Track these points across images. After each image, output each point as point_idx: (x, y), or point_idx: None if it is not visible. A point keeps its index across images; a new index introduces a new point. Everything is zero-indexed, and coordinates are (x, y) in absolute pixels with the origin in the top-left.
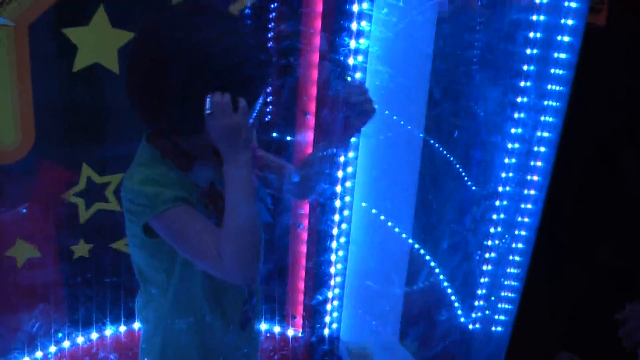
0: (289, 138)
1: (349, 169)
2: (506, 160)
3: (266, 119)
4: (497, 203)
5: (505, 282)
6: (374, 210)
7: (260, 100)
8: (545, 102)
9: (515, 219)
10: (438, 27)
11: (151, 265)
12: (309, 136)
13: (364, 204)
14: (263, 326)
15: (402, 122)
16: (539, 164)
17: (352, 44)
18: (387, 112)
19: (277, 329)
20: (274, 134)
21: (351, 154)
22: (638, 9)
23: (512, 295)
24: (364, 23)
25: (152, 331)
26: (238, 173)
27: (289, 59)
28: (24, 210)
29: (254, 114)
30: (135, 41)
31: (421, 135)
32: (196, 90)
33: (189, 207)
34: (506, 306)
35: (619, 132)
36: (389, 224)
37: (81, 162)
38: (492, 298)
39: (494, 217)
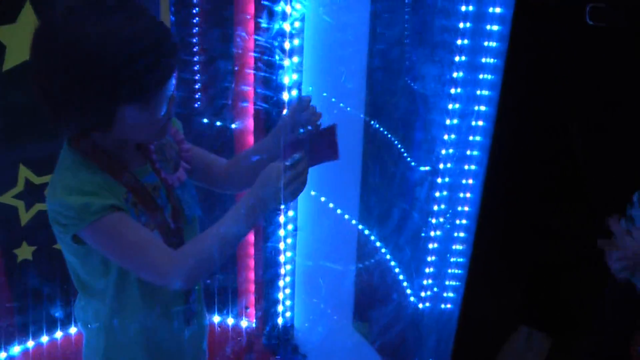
0: (233, 126)
1: None
2: (445, 137)
3: (196, 104)
4: (439, 180)
5: (452, 259)
6: (322, 199)
7: (171, 87)
8: (481, 76)
9: (458, 195)
10: (372, 5)
11: (85, 270)
12: (248, 124)
13: (312, 193)
14: (216, 318)
15: (341, 105)
16: (477, 138)
17: (287, 27)
18: (324, 94)
19: (230, 321)
20: (216, 123)
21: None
22: None
23: (459, 271)
24: (298, 6)
25: (94, 335)
26: (255, 214)
27: (223, 46)
28: None
29: (165, 101)
30: (34, 38)
31: (362, 116)
32: (97, 83)
33: (119, 214)
34: (454, 283)
35: (558, 104)
36: (338, 211)
37: (18, 163)
38: (442, 272)
39: (437, 194)
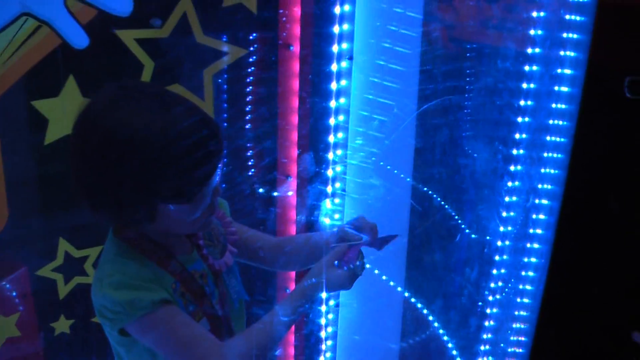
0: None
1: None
2: (507, 199)
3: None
4: (499, 243)
5: (513, 338)
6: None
7: (215, 181)
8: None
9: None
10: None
11: (131, 357)
12: (291, 200)
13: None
14: None
15: (388, 167)
16: (544, 201)
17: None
18: (373, 158)
19: None
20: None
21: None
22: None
23: (521, 350)
24: (343, 82)
25: None
26: (304, 306)
27: (265, 121)
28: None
29: (209, 195)
30: (76, 129)
31: (408, 179)
32: (139, 179)
33: (167, 308)
34: None
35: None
36: (383, 277)
37: (57, 236)
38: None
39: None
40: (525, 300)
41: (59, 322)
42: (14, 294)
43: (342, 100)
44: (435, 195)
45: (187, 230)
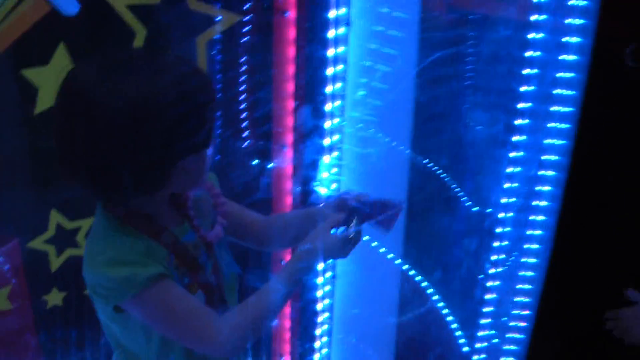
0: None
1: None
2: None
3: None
4: (502, 214)
5: (514, 311)
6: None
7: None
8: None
9: (524, 232)
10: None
11: (125, 335)
12: (287, 170)
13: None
14: None
15: (387, 139)
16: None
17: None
18: (371, 130)
19: None
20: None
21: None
22: None
23: (524, 324)
24: (340, 48)
25: None
26: (302, 276)
27: (260, 89)
28: None
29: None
30: (61, 99)
31: (407, 151)
32: (155, 143)
33: (163, 282)
34: (518, 336)
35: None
36: (382, 250)
37: (49, 208)
38: (503, 319)
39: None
40: (529, 273)
41: (51, 294)
42: (5, 266)
43: (340, 67)
44: (434, 164)
45: (191, 187)
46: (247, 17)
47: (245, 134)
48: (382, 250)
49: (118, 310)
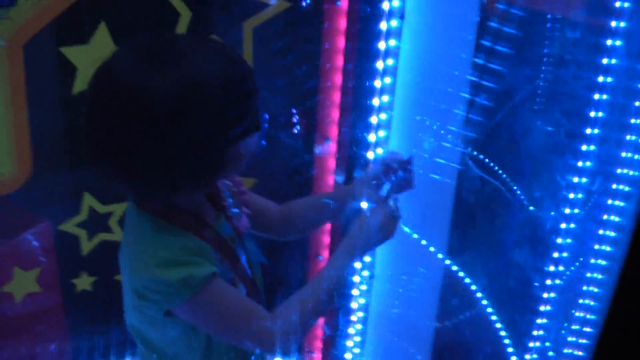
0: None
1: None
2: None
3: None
4: (563, 226)
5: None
6: (406, 229)
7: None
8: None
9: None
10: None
11: (166, 339)
12: (330, 163)
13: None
14: None
15: (442, 131)
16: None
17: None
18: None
19: None
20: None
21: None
22: None
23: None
24: (392, 41)
25: None
26: (352, 264)
27: (309, 80)
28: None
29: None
30: (98, 89)
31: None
32: (218, 128)
33: (216, 282)
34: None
35: None
36: (422, 242)
37: (83, 191)
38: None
39: (559, 241)
40: (593, 288)
41: (81, 278)
42: (36, 248)
43: (390, 61)
44: (485, 161)
45: (236, 173)
46: (298, 4)
47: (289, 124)
48: (424, 243)
49: (168, 314)
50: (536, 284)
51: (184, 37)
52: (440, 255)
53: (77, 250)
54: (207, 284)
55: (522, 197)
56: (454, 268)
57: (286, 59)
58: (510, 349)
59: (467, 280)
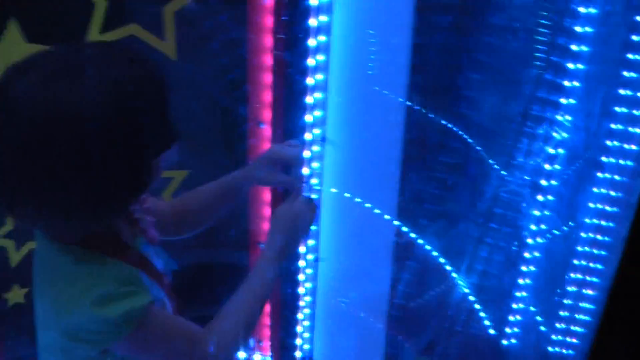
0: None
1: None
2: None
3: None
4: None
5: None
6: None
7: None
8: None
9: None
10: None
11: None
12: (265, 147)
13: (333, 189)
14: None
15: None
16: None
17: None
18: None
19: (242, 355)
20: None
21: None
22: None
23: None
24: (323, 17)
25: None
26: (281, 265)
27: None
28: None
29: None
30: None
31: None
32: (141, 138)
33: (153, 307)
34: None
35: None
36: (374, 209)
37: None
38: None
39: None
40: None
41: (12, 292)
42: None
43: (322, 38)
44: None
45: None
46: None
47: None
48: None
49: (103, 352)
50: (515, 245)
51: (92, 45)
52: (388, 218)
53: (6, 263)
54: (147, 315)
55: (480, 152)
56: (412, 235)
57: (212, 42)
58: (482, 314)
59: (428, 248)
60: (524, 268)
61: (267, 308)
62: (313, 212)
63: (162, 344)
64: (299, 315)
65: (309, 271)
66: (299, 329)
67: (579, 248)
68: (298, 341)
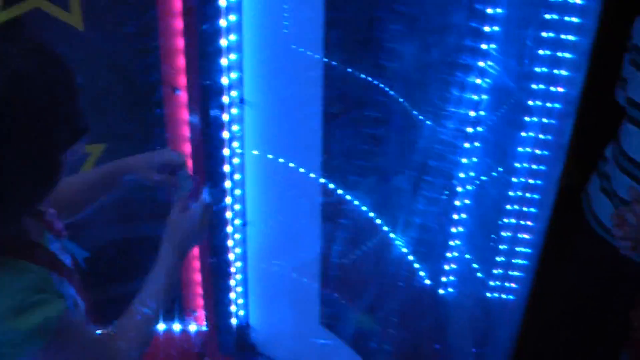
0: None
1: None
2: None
3: None
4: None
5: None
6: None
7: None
8: None
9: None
10: None
11: None
12: (182, 114)
13: (255, 152)
14: (161, 326)
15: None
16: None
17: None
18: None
19: (177, 327)
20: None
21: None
22: None
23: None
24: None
25: None
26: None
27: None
28: None
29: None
30: None
31: (317, 56)
32: (46, 131)
33: (69, 316)
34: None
35: None
36: (301, 170)
37: None
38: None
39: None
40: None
41: None
42: None
43: (232, 17)
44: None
45: None
46: None
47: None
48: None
49: None
50: (445, 194)
51: None
52: (313, 176)
53: None
54: (61, 323)
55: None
56: (340, 192)
57: (119, 10)
58: (416, 265)
59: (356, 203)
60: (455, 216)
61: (198, 277)
62: (207, 217)
63: (78, 350)
64: (231, 282)
65: (237, 236)
66: (232, 295)
67: (511, 193)
68: (232, 308)
